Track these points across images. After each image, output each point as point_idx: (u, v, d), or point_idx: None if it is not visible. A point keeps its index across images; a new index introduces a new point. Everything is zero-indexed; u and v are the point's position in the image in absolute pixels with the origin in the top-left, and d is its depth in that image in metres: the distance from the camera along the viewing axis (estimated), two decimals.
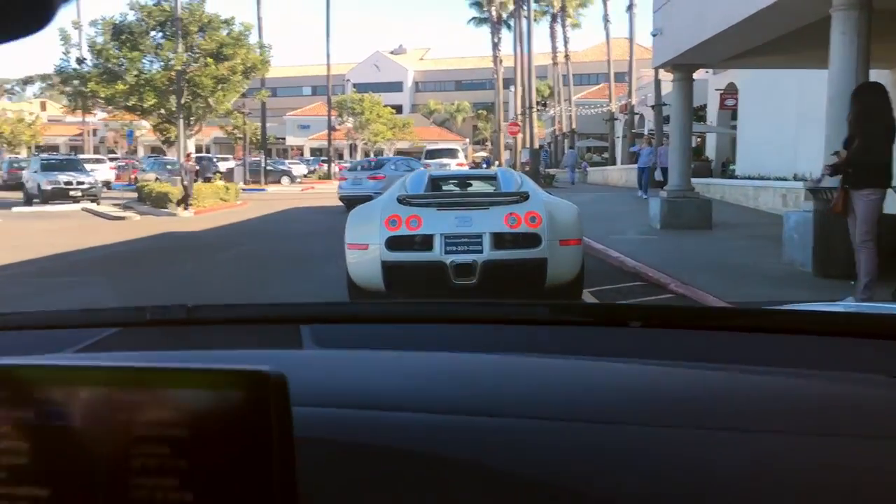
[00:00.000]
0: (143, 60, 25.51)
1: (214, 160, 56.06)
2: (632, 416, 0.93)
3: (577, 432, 0.89)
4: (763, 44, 12.92)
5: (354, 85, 79.29)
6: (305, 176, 55.53)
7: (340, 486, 0.82)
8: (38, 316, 1.62)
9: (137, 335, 1.49)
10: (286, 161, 61.35)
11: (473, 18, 57.89)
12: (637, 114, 39.12)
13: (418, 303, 2.25)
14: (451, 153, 35.64)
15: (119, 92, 24.18)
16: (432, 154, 34.58)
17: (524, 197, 7.10)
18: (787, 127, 21.16)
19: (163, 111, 26.17)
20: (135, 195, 28.38)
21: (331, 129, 57.36)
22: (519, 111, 41.81)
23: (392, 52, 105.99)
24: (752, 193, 19.71)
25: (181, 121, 24.93)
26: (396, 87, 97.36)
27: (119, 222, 20.52)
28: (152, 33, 25.79)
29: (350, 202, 18.42)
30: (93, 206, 25.40)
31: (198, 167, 23.92)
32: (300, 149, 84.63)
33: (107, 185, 36.72)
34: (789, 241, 9.72)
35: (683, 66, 15.39)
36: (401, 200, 7.09)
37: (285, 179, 47.57)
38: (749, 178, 21.68)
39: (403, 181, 8.23)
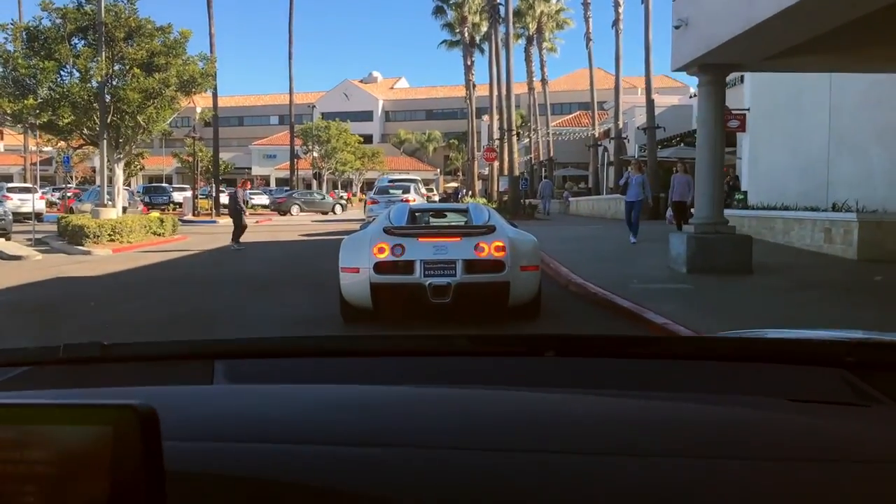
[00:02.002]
0: (62, 72, 21.78)
1: (169, 189, 52.56)
2: (516, 443, 0.96)
3: (467, 460, 0.91)
4: (826, 33, 9.69)
5: (323, 114, 76.12)
6: (265, 207, 52.04)
7: None
8: None
9: (49, 374, 1.46)
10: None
11: (445, 41, 54.78)
12: (624, 137, 36.00)
13: (321, 338, 2.16)
14: (404, 188, 31.47)
15: (27, 107, 20.38)
16: (383, 190, 30.92)
17: (491, 229, 8.13)
18: (816, 148, 17.98)
19: (85, 131, 22.36)
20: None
21: (294, 157, 53.91)
22: (496, 136, 38.55)
23: (362, 81, 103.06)
24: (780, 227, 16.46)
25: (104, 142, 21.13)
26: (366, 116, 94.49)
27: (12, 263, 16.73)
28: (73, 40, 22.07)
29: None
30: (0, 241, 21.51)
31: (248, 197, 20.07)
32: (265, 179, 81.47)
33: (38, 216, 32.91)
34: None
35: (714, 67, 12.13)
36: (387, 231, 8.10)
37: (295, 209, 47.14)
38: (769, 208, 18.42)
39: (388, 213, 9.20)
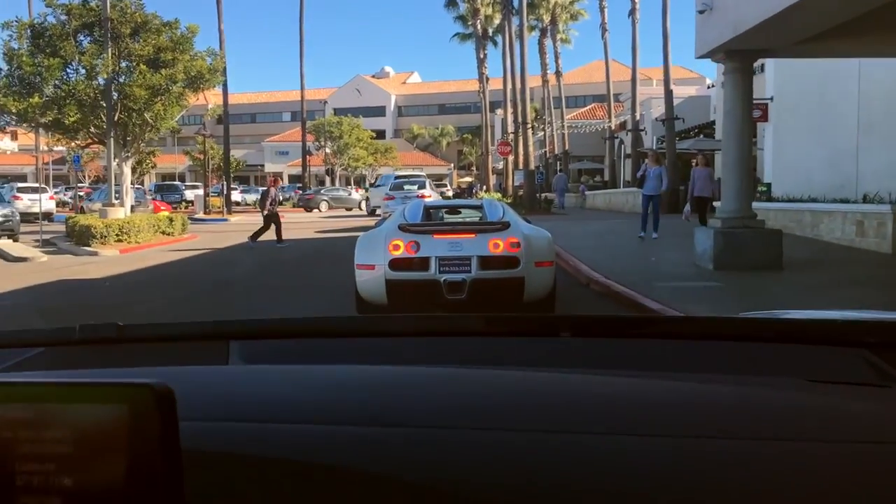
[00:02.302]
0: (67, 70, 21.36)
1: (182, 187, 52.37)
2: (529, 422, 0.95)
3: (477, 439, 0.91)
4: (864, 15, 9.10)
5: (335, 110, 75.65)
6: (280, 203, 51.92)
7: (242, 496, 0.82)
8: None
9: (65, 354, 1.49)
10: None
11: (457, 34, 54.19)
12: (642, 129, 35.31)
13: (334, 318, 2.12)
14: (420, 184, 31.70)
15: (33, 106, 19.99)
16: (398, 186, 31.10)
17: (506, 225, 8.12)
18: (844, 138, 17.35)
19: (92, 129, 21.95)
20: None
21: (306, 154, 53.45)
22: (510, 129, 37.91)
23: (374, 76, 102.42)
24: (808, 220, 15.82)
25: (111, 140, 20.71)
26: (379, 111, 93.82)
27: (16, 265, 16.35)
28: (79, 37, 21.62)
29: None
30: (7, 242, 21.17)
31: (276, 196, 19.83)
32: (278, 176, 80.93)
33: (47, 216, 32.71)
34: None
35: (741, 54, 11.53)
36: (402, 228, 8.06)
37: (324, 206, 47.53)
38: (795, 200, 17.80)
39: (403, 210, 9.22)
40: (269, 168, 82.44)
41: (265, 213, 19.02)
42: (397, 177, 35.17)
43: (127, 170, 22.54)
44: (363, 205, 47.58)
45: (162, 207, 39.01)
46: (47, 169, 63.85)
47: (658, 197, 16.87)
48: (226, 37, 36.42)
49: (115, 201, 21.72)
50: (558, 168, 49.06)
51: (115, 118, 21.21)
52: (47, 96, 20.65)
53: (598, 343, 1.45)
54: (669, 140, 27.92)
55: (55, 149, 52.62)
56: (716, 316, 1.92)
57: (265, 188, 20.50)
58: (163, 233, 22.03)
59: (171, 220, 22.93)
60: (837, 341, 1.36)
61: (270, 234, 18.93)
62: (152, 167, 55.48)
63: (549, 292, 8.22)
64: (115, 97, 21.09)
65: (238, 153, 77.47)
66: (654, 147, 31.29)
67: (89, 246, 19.13)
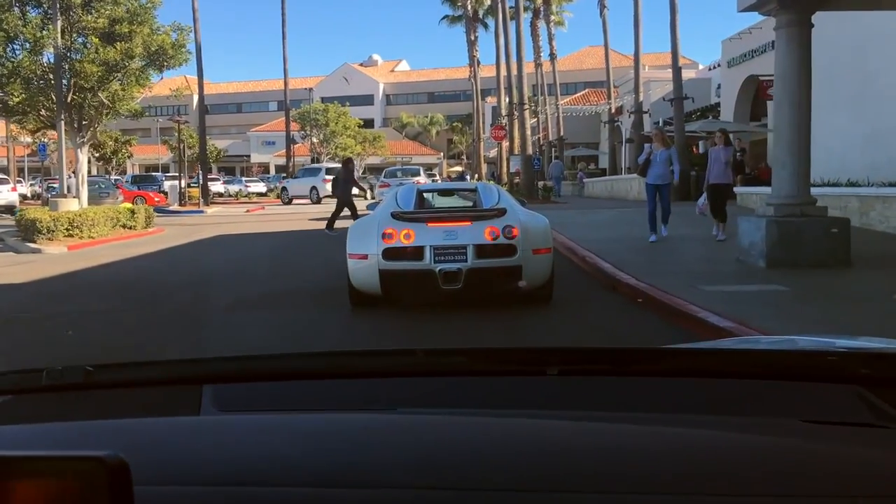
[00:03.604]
0: (14, 45, 19.09)
1: (160, 178, 50.09)
2: (514, 480, 0.90)
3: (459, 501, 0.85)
4: None
5: (322, 99, 73.27)
6: (262, 194, 50.11)
7: None
8: None
9: (32, 403, 1.43)
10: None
11: (446, 17, 51.97)
12: (646, 111, 33.12)
13: (320, 355, 1.78)
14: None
15: None
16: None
17: (502, 212, 7.90)
18: (888, 114, 15.29)
19: (43, 112, 19.67)
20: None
21: (290, 142, 51.17)
22: (504, 112, 35.72)
23: (362, 65, 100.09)
24: (855, 206, 13.79)
25: (61, 123, 18.42)
26: (367, 100, 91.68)
27: None
28: (26, 9, 19.31)
29: None
30: None
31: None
32: (264, 166, 79.09)
33: (9, 210, 30.57)
34: None
35: (798, 3, 9.46)
36: (395, 216, 7.85)
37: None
38: (831, 184, 15.75)
39: (395, 196, 8.92)
40: (256, 158, 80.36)
41: (343, 197, 17.55)
42: (328, 169, 35.92)
43: (83, 157, 20.27)
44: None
45: (156, 199, 36.61)
46: (21, 160, 61.04)
47: (668, 186, 13.53)
48: (201, 15, 33.97)
49: (67, 192, 19.45)
50: (553, 155, 46.96)
51: (68, 99, 18.93)
52: None
53: (586, 382, 1.35)
54: (678, 121, 25.76)
55: (20, 139, 50.03)
56: (702, 348, 1.70)
57: (335, 173, 18.71)
58: (123, 226, 19.79)
59: (132, 212, 20.64)
60: (830, 376, 1.26)
61: (242, 227, 16.75)
62: (129, 157, 53.16)
63: (547, 280, 7.94)
64: (66, 75, 18.80)
65: (224, 143, 75.24)
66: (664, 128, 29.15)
67: (34, 242, 16.92)
